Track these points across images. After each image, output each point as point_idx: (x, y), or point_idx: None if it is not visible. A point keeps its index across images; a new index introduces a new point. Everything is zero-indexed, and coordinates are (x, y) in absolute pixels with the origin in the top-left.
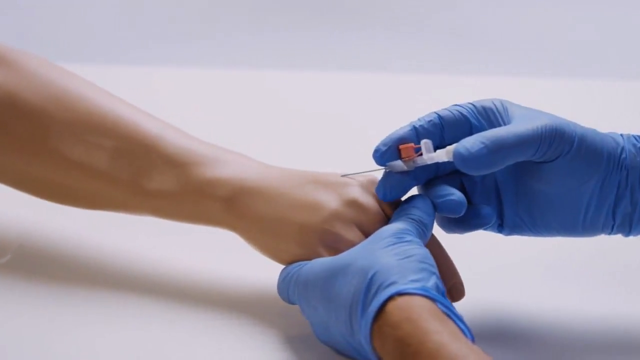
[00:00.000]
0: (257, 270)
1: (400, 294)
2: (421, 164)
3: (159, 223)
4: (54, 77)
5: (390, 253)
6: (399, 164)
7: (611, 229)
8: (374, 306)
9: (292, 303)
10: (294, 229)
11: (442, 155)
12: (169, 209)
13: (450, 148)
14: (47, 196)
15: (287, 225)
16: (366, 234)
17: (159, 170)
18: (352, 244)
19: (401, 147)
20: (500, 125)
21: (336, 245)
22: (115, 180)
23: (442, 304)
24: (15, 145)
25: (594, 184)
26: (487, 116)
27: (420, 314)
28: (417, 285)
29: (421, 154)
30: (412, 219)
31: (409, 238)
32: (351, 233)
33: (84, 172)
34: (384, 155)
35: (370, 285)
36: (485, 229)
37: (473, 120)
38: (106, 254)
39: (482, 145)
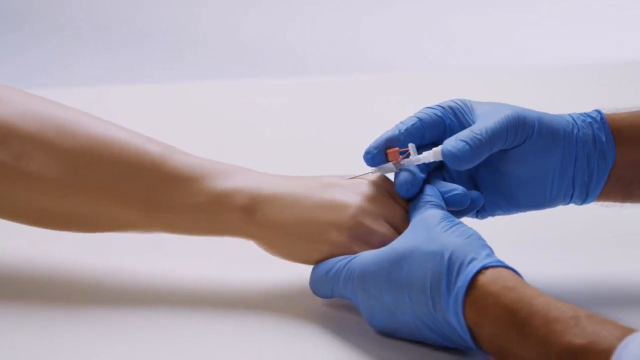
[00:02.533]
0: (248, 273)
1: (486, 267)
2: (407, 166)
3: (143, 238)
4: (42, 106)
5: (454, 235)
6: (388, 166)
7: (570, 198)
8: (463, 281)
9: (331, 297)
10: (323, 228)
11: (429, 156)
12: (184, 224)
13: (437, 150)
14: (48, 224)
15: (315, 225)
16: (392, 225)
17: (170, 187)
18: (383, 236)
19: (388, 151)
20: (467, 121)
21: (368, 238)
22: (124, 201)
23: (516, 273)
24: (14, 177)
25: (556, 160)
26: (455, 115)
27: (515, 282)
28: (493, 259)
29: (407, 156)
30: (435, 205)
31: (456, 220)
32: (381, 226)
33: (90, 196)
34: (374, 157)
35: (450, 265)
36: (467, 216)
37: (447, 120)
38: (94, 271)
39: (463, 144)
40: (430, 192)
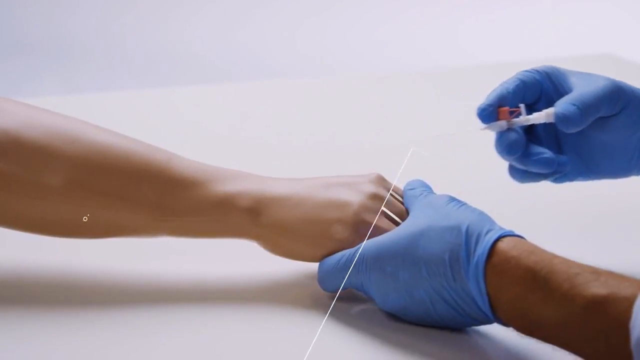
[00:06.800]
0: (253, 273)
1: (503, 236)
2: (517, 125)
3: (147, 242)
4: (44, 116)
5: (467, 211)
6: (499, 124)
7: None
8: (483, 248)
9: (340, 289)
10: (328, 226)
11: (540, 117)
12: (190, 227)
13: (549, 111)
14: (57, 232)
15: (320, 223)
16: (392, 220)
17: (177, 191)
18: (385, 231)
19: (500, 110)
20: (563, 87)
21: (372, 233)
22: (132, 207)
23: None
24: (24, 188)
25: None
26: (551, 80)
27: (532, 247)
28: (508, 230)
29: (517, 116)
30: (431, 194)
31: (462, 201)
32: (383, 221)
33: (99, 203)
34: (490, 115)
35: (468, 236)
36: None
37: (544, 84)
38: (102, 275)
39: (575, 107)
40: (421, 185)
